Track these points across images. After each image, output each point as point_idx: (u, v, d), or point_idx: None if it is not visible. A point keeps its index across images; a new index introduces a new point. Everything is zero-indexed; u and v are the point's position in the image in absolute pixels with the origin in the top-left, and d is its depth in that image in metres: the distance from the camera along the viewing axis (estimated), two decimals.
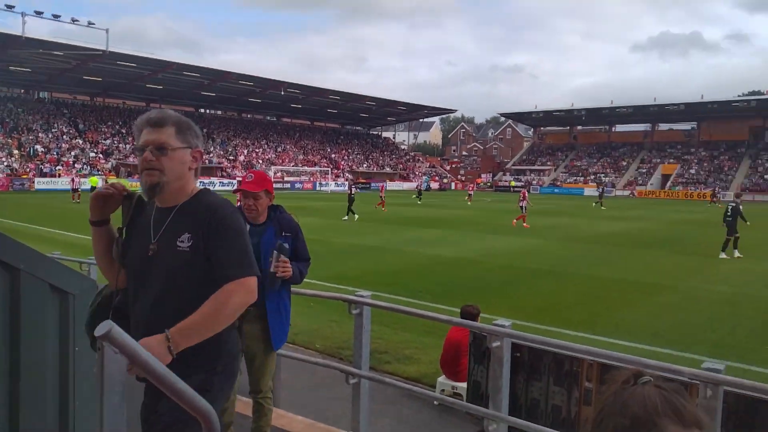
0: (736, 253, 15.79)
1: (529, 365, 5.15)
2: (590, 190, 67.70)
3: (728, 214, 16.18)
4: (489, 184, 79.58)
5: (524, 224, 23.70)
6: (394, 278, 11.83)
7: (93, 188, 39.43)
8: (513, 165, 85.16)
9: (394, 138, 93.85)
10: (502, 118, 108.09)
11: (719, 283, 11.97)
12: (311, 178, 65.98)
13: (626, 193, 66.92)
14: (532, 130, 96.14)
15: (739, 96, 74.51)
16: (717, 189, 54.78)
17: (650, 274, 12.94)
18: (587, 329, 8.29)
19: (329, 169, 68.60)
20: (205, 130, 66.70)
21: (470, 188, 39.65)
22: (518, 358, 5.14)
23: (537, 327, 8.24)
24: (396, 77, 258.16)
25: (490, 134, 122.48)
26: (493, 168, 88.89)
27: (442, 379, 6.05)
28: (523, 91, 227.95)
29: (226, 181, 55.74)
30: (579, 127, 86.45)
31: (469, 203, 41.37)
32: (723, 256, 15.65)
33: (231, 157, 64.59)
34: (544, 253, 15.99)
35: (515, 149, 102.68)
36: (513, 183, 76.10)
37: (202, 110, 73.51)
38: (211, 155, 62.15)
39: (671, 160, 72.37)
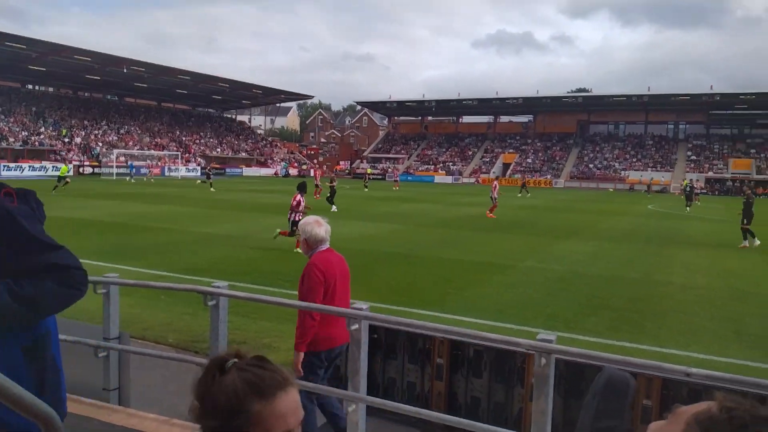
0: (756, 242, 17.09)
1: (385, 345, 5.35)
2: (440, 178, 71.36)
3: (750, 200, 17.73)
4: (347, 171, 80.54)
5: (491, 214, 24.45)
6: (253, 266, 11.59)
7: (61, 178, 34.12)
8: (370, 153, 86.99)
9: (249, 122, 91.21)
10: (359, 107, 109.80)
11: (553, 263, 13.25)
12: (160, 163, 62.03)
13: (472, 180, 71.40)
14: (386, 119, 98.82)
15: (568, 92, 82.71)
16: (526, 178, 59.38)
17: (494, 256, 13.98)
18: (439, 308, 8.77)
19: (179, 153, 64.98)
20: (33, 109, 59.81)
21: (317, 175, 38.48)
22: (375, 340, 5.32)
23: (393, 308, 8.55)
24: (250, 60, 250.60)
25: (347, 122, 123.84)
26: (351, 155, 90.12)
27: None
28: (377, 80, 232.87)
29: (60, 165, 50.62)
30: (430, 118, 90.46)
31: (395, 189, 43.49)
32: (745, 244, 16.98)
33: (66, 140, 58.60)
34: (400, 238, 16.59)
35: (371, 137, 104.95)
36: (370, 170, 77.78)
37: (30, 86, 65.76)
38: (42, 137, 55.93)
39: (511, 150, 78.41)
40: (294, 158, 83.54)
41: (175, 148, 66.67)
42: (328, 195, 26.51)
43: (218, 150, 73.75)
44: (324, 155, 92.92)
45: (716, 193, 58.11)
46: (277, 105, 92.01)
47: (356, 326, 3.61)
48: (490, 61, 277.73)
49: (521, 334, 7.33)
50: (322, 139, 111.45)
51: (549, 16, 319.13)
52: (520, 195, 41.88)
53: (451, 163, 78.00)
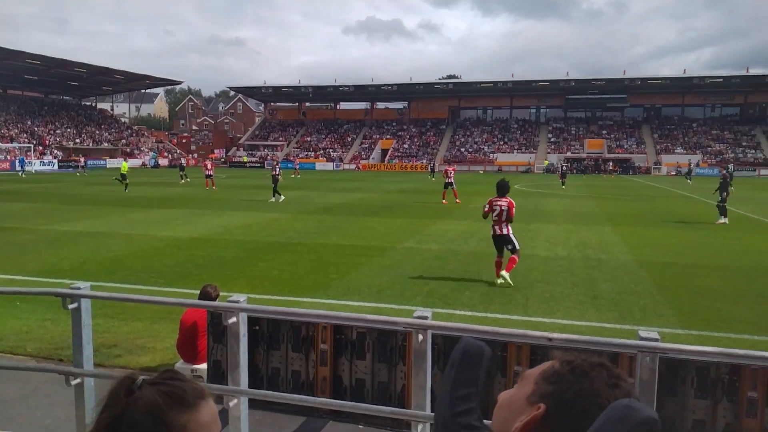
0: (723, 220, 18.15)
1: (268, 336, 5.27)
2: (321, 165, 71.16)
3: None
4: (223, 159, 77.76)
5: (443, 201, 24.48)
6: (120, 265, 10.87)
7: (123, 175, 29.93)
8: (246, 140, 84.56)
9: (112, 110, 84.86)
10: (232, 93, 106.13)
11: (431, 242, 13.75)
12: (9, 156, 56.02)
13: (352, 166, 71.99)
14: (263, 105, 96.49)
15: (439, 79, 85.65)
16: (431, 162, 62.01)
17: (374, 239, 14.24)
18: (322, 295, 8.79)
19: (32, 145, 59.05)
20: None
21: (207, 166, 36.16)
22: (257, 331, 5.23)
23: (275, 298, 8.44)
24: (109, 43, 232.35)
25: (220, 108, 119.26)
26: (227, 143, 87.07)
27: (179, 364, 5.81)
28: (249, 65, 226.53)
29: None
30: (308, 104, 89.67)
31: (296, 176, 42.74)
32: (721, 220, 18.06)
33: None
34: (280, 227, 16.36)
35: (248, 124, 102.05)
36: (245, 159, 75.67)
37: None
38: None
39: (388, 136, 79.95)
40: (164, 147, 79.12)
41: (26, 140, 60.48)
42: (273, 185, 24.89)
43: (77, 141, 67.97)
44: (197, 143, 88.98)
45: (574, 171, 63.18)
46: (143, 91, 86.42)
47: (233, 319, 3.52)
48: (362, 48, 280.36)
49: (402, 313, 7.56)
50: (194, 127, 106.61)
51: (416, 4, 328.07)
52: (433, 179, 43.04)
53: (331, 150, 78.01)
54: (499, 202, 9.87)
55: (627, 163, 65.34)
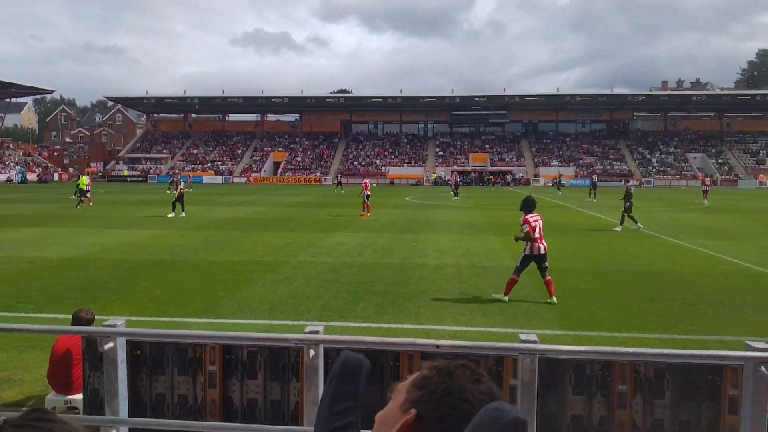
0: (618, 228, 19.60)
1: (151, 361, 4.97)
2: (209, 178, 68.76)
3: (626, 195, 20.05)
4: (101, 173, 72.82)
5: (367, 214, 24.26)
6: None
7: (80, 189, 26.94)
8: (127, 153, 79.82)
9: None
10: (111, 103, 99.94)
11: (324, 255, 13.69)
12: None
13: (243, 179, 70.26)
14: (144, 116, 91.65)
15: (331, 93, 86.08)
16: (338, 175, 61.92)
17: (267, 254, 13.95)
18: (211, 314, 8.46)
19: None
20: None
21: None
22: (139, 356, 4.91)
23: (159, 320, 8.00)
24: None
25: (97, 119, 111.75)
26: (104, 156, 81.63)
27: (51, 395, 5.33)
28: (129, 75, 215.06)
29: None
30: (193, 115, 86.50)
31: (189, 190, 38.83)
32: (618, 229, 19.55)
33: None
34: (163, 244, 15.56)
35: (128, 136, 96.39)
36: (126, 172, 71.49)
37: None
38: None
39: (280, 149, 78.98)
40: (32, 161, 72.77)
41: None
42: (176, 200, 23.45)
43: None
44: (70, 156, 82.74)
45: (460, 183, 65.69)
46: (7, 100, 78.96)
47: (110, 345, 3.29)
48: (250, 60, 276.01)
49: (295, 328, 7.44)
50: (68, 139, 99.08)
51: (304, 18, 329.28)
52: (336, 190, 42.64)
53: (219, 162, 75.64)
54: (535, 218, 9.54)
55: (508, 175, 69.18)
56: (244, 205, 30.30)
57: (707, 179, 38.63)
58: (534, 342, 3.12)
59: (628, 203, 20.06)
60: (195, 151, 78.83)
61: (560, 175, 54.82)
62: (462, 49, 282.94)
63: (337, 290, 10.05)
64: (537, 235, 9.43)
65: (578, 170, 69.36)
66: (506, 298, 9.30)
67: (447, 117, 79.81)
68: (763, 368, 3.22)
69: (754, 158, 71.72)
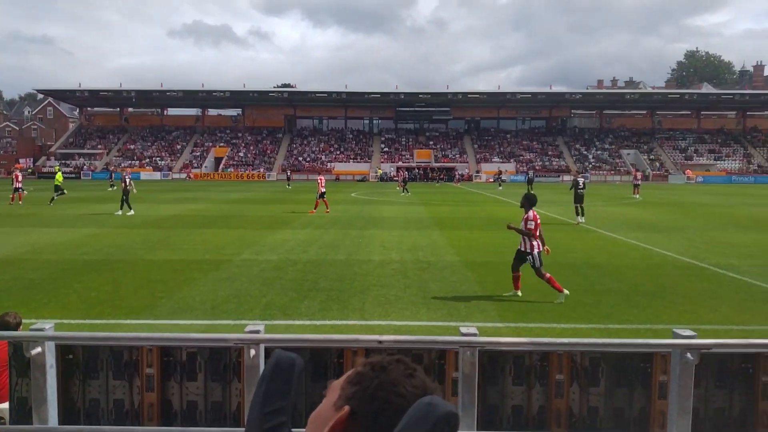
0: (581, 219, 20.41)
1: (84, 365, 4.77)
2: (147, 174, 66.60)
3: (580, 187, 20.78)
4: (31, 170, 69.28)
5: (326, 210, 23.91)
6: None
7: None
8: (59, 148, 76.24)
9: None
10: (41, 96, 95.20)
11: (268, 253, 13.50)
12: None
13: (183, 175, 68.41)
14: (78, 110, 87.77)
15: (274, 87, 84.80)
16: (289, 171, 60.93)
17: (209, 252, 13.63)
18: (149, 315, 8.20)
19: None
20: None
21: (17, 177, 28.89)
22: (71, 360, 4.70)
23: (93, 323, 7.69)
24: None
25: (27, 113, 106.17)
26: (34, 152, 77.76)
27: None
28: (60, 66, 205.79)
29: None
30: (130, 109, 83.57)
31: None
32: (579, 220, 20.35)
33: None
34: (99, 243, 14.96)
35: (60, 131, 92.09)
36: (57, 169, 68.29)
37: None
38: None
39: (222, 144, 77.34)
40: None
41: None
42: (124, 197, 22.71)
43: None
44: None
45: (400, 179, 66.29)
46: None
47: (38, 350, 3.13)
48: (190, 53, 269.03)
49: (237, 328, 7.31)
50: None
51: (245, 10, 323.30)
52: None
53: (158, 158, 73.36)
54: (538, 217, 9.42)
55: (452, 171, 70.20)
56: (184, 203, 29.51)
57: (638, 174, 40.43)
58: (474, 335, 3.17)
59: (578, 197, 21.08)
60: (132, 147, 76.18)
61: (500, 171, 56.06)
62: (406, 45, 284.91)
63: (281, 288, 9.93)
64: (538, 232, 9.39)
65: (518, 166, 71.11)
66: (519, 293, 9.38)
67: (392, 113, 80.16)
68: (688, 354, 3.39)
69: (683, 154, 75.53)
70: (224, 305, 8.77)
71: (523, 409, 4.33)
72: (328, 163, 72.59)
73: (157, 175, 67.62)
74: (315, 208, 24.36)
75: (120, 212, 22.52)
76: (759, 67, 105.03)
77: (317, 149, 76.78)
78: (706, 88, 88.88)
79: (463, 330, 3.25)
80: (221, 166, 72.37)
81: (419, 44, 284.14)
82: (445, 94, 74.43)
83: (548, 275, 9.19)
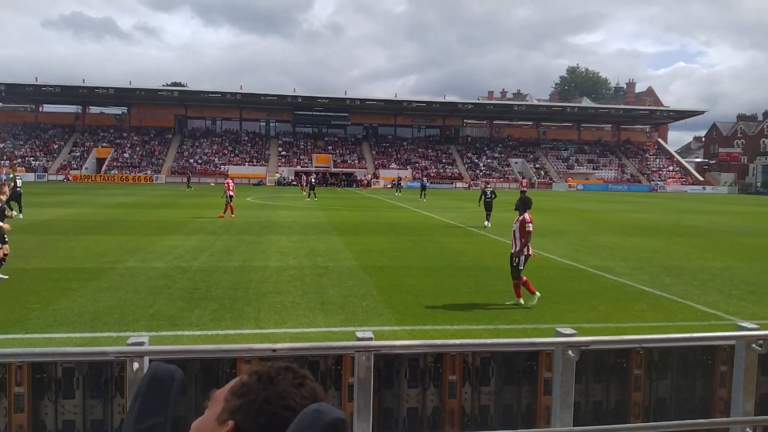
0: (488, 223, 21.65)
1: None
2: (19, 175, 60.99)
3: (488, 196, 22.41)
4: None
5: (231, 215, 23.12)
6: None
7: None
8: None
9: None
10: None
11: (156, 260, 12.80)
12: None
13: (60, 177, 63.46)
14: None
15: (163, 85, 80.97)
16: (188, 173, 58.15)
17: (88, 260, 12.71)
18: (20, 329, 7.48)
19: None
20: None
21: None
22: None
23: None
24: None
25: None
26: None
27: None
28: None
29: None
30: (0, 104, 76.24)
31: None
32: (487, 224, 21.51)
33: None
34: None
35: None
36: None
37: None
38: None
39: (105, 144, 72.66)
40: None
41: None
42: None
43: None
44: None
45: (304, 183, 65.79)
46: None
47: None
48: (68, 46, 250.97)
49: (120, 341, 6.85)
50: None
51: (130, 4, 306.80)
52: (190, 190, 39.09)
53: (32, 158, 67.53)
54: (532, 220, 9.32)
55: (351, 176, 70.59)
56: (61, 207, 27.34)
57: (524, 181, 42.92)
58: (369, 339, 3.18)
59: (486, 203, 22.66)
60: (1, 145, 69.53)
61: (399, 178, 57.18)
62: (302, 48, 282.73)
63: (170, 297, 9.45)
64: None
65: (414, 173, 72.87)
66: (521, 301, 9.30)
67: (290, 116, 79.28)
68: (570, 351, 3.60)
69: (565, 164, 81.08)
70: (106, 317, 8.19)
71: (418, 411, 4.40)
72: (222, 166, 70.38)
73: (31, 177, 62.13)
74: (224, 212, 23.54)
75: (20, 215, 20.83)
76: (631, 85, 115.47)
77: (210, 151, 74.22)
78: (586, 102, 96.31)
79: (359, 335, 3.24)
80: (104, 167, 67.92)
81: (316, 48, 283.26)
82: (344, 99, 74.74)
83: (524, 278, 9.39)
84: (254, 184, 63.93)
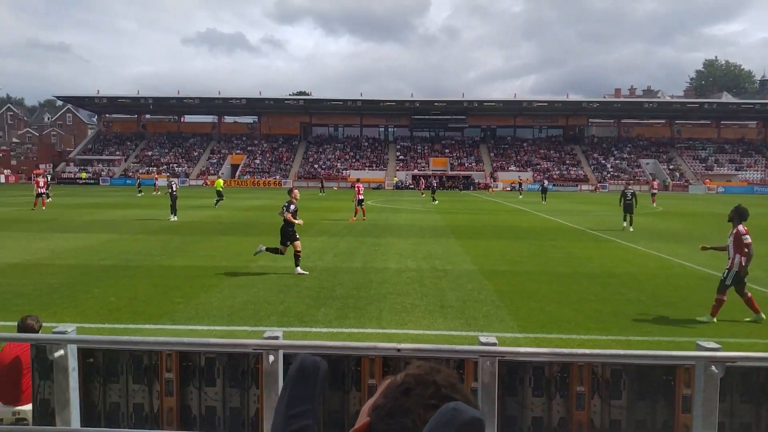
0: (629, 227, 21.15)
1: (104, 369, 4.81)
2: (163, 181, 67.20)
3: (628, 198, 21.61)
4: (51, 175, 70.38)
5: (362, 217, 23.98)
6: None
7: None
8: (78, 154, 77.36)
9: None
10: (60, 102, 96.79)
11: (284, 260, 13.50)
12: None
13: (200, 182, 69.01)
14: (96, 116, 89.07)
15: (290, 95, 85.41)
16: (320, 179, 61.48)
17: (226, 259, 13.70)
18: (167, 320, 8.25)
19: None
20: None
21: (39, 183, 29.17)
22: (92, 364, 4.74)
23: (113, 327, 7.76)
24: None
25: (46, 119, 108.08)
26: (54, 157, 78.95)
27: None
28: (77, 74, 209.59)
29: None
30: (148, 116, 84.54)
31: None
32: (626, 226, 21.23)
33: None
34: (117, 248, 15.12)
35: (79, 137, 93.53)
36: (84, 175, 69.35)
37: None
38: None
39: (238, 151, 77.92)
40: None
41: None
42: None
43: None
44: (18, 158, 79.60)
45: (438, 188, 66.37)
46: None
47: (60, 352, 3.16)
48: (204, 60, 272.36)
49: (255, 334, 7.33)
50: (15, 139, 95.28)
51: (258, 19, 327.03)
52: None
53: (175, 165, 74.07)
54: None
55: (468, 179, 70.04)
56: (201, 209, 29.74)
57: (655, 183, 40.09)
58: (494, 344, 3.14)
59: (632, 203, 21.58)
60: (149, 153, 77.03)
61: (521, 180, 55.74)
62: (418, 53, 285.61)
63: (298, 295, 9.95)
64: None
65: (535, 175, 70.72)
66: (714, 320, 8.64)
67: (407, 121, 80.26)
68: (713, 367, 3.33)
69: (703, 164, 74.61)
70: (241, 311, 8.80)
71: (544, 420, 4.28)
72: (344, 171, 72.78)
73: (167, 182, 68.28)
74: (355, 216, 24.44)
75: (175, 218, 23.06)
76: None
77: (333, 157, 77.04)
78: (726, 98, 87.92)
79: (483, 339, 3.22)
80: (237, 173, 72.90)
81: (432, 52, 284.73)
82: (461, 102, 74.35)
83: (749, 294, 8.58)
84: (373, 188, 65.45)
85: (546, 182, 46.89)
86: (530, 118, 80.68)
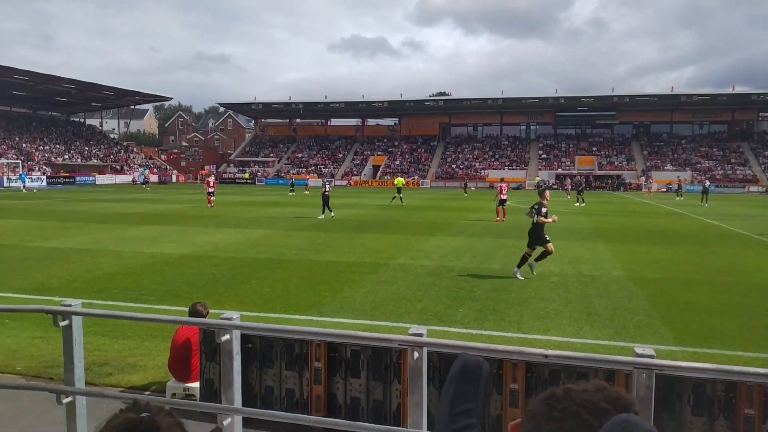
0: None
1: (261, 354, 5.22)
2: (313, 181, 71.16)
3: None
4: (214, 175, 77.78)
5: (502, 218, 23.93)
6: (109, 283, 10.75)
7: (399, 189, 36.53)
8: (237, 156, 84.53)
9: (101, 126, 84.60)
10: (222, 108, 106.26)
11: (423, 259, 13.72)
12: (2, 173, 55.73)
13: (344, 182, 72.09)
14: (253, 121, 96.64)
15: (429, 96, 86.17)
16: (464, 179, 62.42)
17: (367, 255, 14.19)
18: (315, 312, 8.73)
19: (20, 161, 58.69)
20: None
21: (209, 183, 32.65)
22: (250, 349, 5.17)
23: (267, 316, 8.37)
24: (94, 60, 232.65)
25: (210, 124, 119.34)
26: (217, 159, 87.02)
27: (171, 382, 5.74)
28: (236, 82, 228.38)
29: None
30: (298, 120, 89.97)
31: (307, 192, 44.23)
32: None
33: None
34: (271, 243, 16.29)
35: (238, 140, 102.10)
36: (247, 175, 75.63)
37: None
38: None
39: (379, 153, 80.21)
40: (153, 163, 78.90)
41: (13, 156, 60.11)
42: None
43: (66, 157, 67.61)
44: (187, 159, 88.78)
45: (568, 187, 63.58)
46: (132, 107, 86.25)
47: (227, 337, 3.48)
48: (348, 65, 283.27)
49: (395, 330, 7.52)
50: (184, 143, 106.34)
51: (399, 23, 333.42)
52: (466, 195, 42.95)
53: (322, 166, 78.08)
54: None
55: (619, 179, 65.83)
56: (345, 208, 31.03)
57: None
58: (651, 356, 2.94)
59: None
60: (299, 155, 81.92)
61: (680, 180, 51.30)
62: (563, 48, 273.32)
63: (436, 294, 10.03)
64: None
65: (695, 175, 64.67)
66: None
67: (550, 118, 77.34)
68: None
69: None
70: (382, 307, 9.06)
71: None
72: (482, 171, 71.95)
73: (320, 182, 72.04)
74: (498, 216, 24.22)
75: (322, 216, 24.21)
76: None
77: (471, 156, 76.48)
78: None
79: (639, 350, 3.02)
80: (378, 173, 75.05)
81: (577, 47, 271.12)
82: (611, 97, 70.06)
83: None
84: (513, 188, 63.93)
85: (707, 183, 42.70)
86: (689, 113, 73.84)
